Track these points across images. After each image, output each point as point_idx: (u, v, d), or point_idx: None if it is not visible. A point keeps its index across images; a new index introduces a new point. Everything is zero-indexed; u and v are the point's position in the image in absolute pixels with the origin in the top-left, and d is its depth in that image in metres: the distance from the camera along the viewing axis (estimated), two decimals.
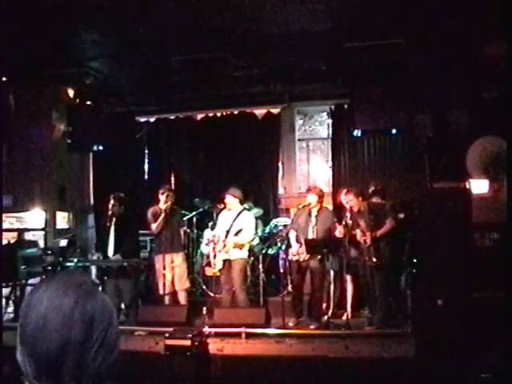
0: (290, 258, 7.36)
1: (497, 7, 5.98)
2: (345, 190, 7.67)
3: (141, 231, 8.70)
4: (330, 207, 8.30)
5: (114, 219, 7.57)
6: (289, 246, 7.47)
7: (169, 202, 7.55)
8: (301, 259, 7.13)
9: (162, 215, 7.50)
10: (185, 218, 8.61)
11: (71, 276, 1.20)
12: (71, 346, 1.10)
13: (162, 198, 7.51)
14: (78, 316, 1.12)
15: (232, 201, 7.48)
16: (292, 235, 7.35)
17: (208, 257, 8.09)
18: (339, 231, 7.01)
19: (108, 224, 7.62)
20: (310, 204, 7.24)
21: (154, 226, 7.58)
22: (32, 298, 1.15)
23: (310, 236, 7.15)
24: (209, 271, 8.04)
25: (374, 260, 6.74)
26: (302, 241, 7.08)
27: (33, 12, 6.41)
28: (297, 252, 7.14)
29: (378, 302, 6.93)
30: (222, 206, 7.80)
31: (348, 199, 7.11)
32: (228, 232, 7.41)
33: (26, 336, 1.13)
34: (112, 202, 7.56)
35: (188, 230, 8.93)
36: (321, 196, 7.28)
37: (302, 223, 7.27)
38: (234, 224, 7.42)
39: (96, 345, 1.12)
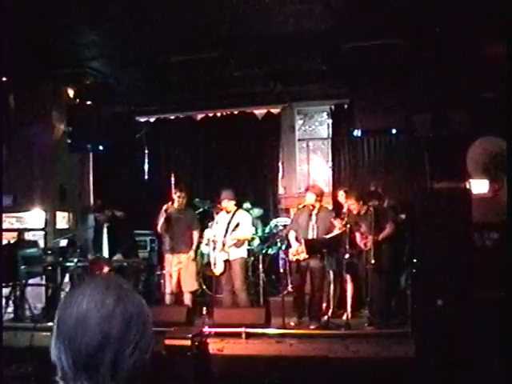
0: (290, 258, 7.37)
1: (497, 7, 5.98)
2: (341, 191, 7.73)
3: (141, 231, 8.73)
4: (330, 207, 8.31)
5: (106, 223, 7.62)
6: (289, 246, 7.47)
7: (176, 204, 7.62)
8: (301, 258, 7.14)
9: (164, 216, 7.55)
10: None
11: (111, 278, 1.28)
12: (110, 341, 1.13)
13: (176, 198, 7.59)
14: (118, 313, 1.15)
15: (229, 204, 7.53)
16: (292, 235, 7.35)
17: (208, 257, 8.11)
18: (338, 228, 7.05)
19: (101, 227, 7.67)
20: (309, 204, 7.24)
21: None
22: (73, 296, 1.19)
23: (310, 235, 7.15)
24: (209, 271, 8.04)
25: (373, 262, 6.75)
26: (302, 240, 7.08)
27: (33, 12, 6.41)
28: (296, 251, 7.14)
29: (378, 304, 6.94)
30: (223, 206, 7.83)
31: (349, 203, 7.16)
32: (226, 231, 7.44)
33: (64, 331, 1.15)
34: (97, 213, 7.61)
35: None
36: (319, 195, 7.27)
37: (301, 223, 7.27)
38: (231, 223, 7.46)
39: (132, 344, 1.15)
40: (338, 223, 7.17)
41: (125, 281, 1.26)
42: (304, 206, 7.36)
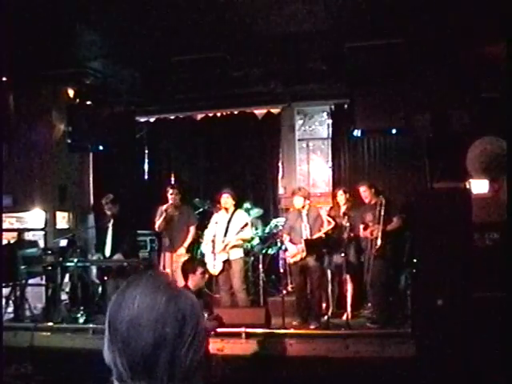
0: (288, 261, 7.43)
1: (497, 7, 5.98)
2: (340, 191, 7.76)
3: (141, 231, 8.72)
4: (329, 207, 8.33)
5: (112, 220, 7.62)
6: (287, 248, 7.52)
7: (170, 202, 7.64)
8: (298, 259, 7.17)
9: (163, 215, 7.57)
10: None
11: (159, 277, 1.23)
12: (165, 342, 1.12)
13: (169, 196, 7.62)
14: (171, 313, 1.14)
15: (230, 200, 7.52)
16: (286, 239, 7.42)
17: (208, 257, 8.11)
18: (328, 221, 7.22)
19: (106, 225, 7.66)
20: (302, 206, 7.30)
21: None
22: (122, 299, 1.17)
23: (304, 235, 7.20)
24: (208, 271, 8.05)
25: (377, 247, 6.79)
26: (302, 241, 7.11)
27: (33, 12, 6.41)
28: (297, 252, 7.17)
29: (380, 296, 6.97)
30: (223, 206, 7.82)
31: (361, 190, 7.28)
32: (226, 232, 7.43)
33: (118, 335, 1.14)
34: (105, 205, 7.61)
35: None
36: (306, 196, 7.39)
37: (294, 225, 7.37)
38: (231, 223, 7.45)
39: (187, 342, 1.14)
40: (324, 213, 7.39)
41: (172, 279, 1.23)
42: (294, 209, 7.48)
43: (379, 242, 6.84)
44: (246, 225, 7.46)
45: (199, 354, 1.16)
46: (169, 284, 1.19)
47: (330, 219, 7.32)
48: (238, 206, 7.82)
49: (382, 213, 6.94)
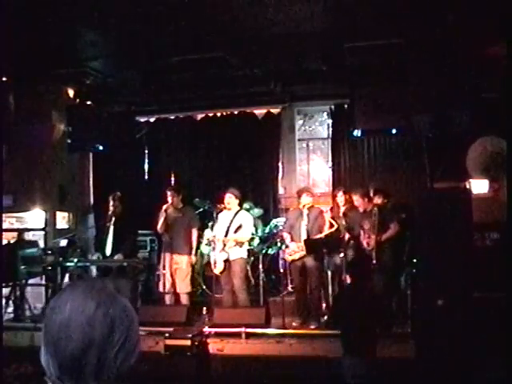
0: (286, 258, 7.44)
1: (497, 7, 5.98)
2: (340, 192, 7.76)
3: (141, 231, 8.73)
4: (329, 207, 8.33)
5: (114, 219, 7.61)
6: (287, 247, 7.52)
7: (169, 203, 7.63)
8: (296, 258, 7.17)
9: (164, 216, 7.56)
10: None
11: (94, 282, 1.28)
12: (93, 345, 1.16)
13: (169, 197, 7.62)
14: (100, 317, 1.17)
15: (232, 200, 7.50)
16: (287, 237, 7.42)
17: (208, 256, 8.11)
18: (328, 222, 7.23)
19: (107, 224, 7.66)
20: (304, 205, 7.29)
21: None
22: (56, 302, 1.22)
23: (304, 234, 7.19)
24: (209, 271, 8.04)
25: (374, 262, 6.77)
26: (302, 241, 7.11)
27: (33, 12, 6.41)
28: (293, 251, 7.18)
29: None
30: (223, 206, 7.81)
31: (354, 199, 7.24)
32: (227, 231, 7.43)
33: (50, 337, 1.18)
34: (112, 201, 7.61)
35: None
36: (313, 196, 7.47)
37: (294, 224, 7.38)
38: (233, 223, 7.45)
39: (117, 346, 1.18)
40: (328, 215, 7.39)
41: (108, 284, 1.26)
42: (295, 208, 7.46)
43: (375, 256, 6.82)
44: (241, 226, 7.43)
45: (132, 357, 1.21)
46: (101, 290, 1.23)
47: (334, 222, 7.29)
48: (240, 205, 7.82)
49: (377, 223, 6.91)
